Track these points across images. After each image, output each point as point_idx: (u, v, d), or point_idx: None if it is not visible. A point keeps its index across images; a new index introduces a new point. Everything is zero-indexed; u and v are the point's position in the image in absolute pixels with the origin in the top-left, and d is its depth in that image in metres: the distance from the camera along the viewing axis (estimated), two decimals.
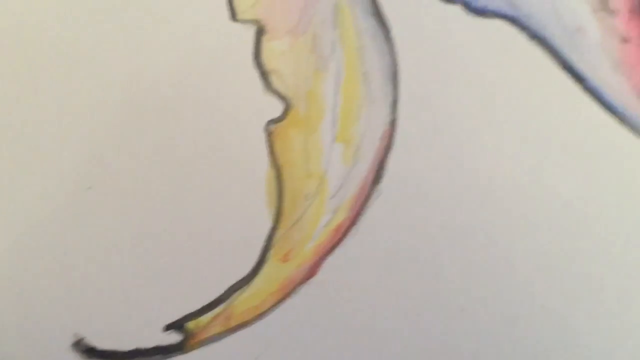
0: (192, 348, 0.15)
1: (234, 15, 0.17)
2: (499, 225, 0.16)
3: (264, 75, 0.17)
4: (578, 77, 0.17)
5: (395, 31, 0.17)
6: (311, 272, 0.16)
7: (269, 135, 0.16)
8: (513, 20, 0.17)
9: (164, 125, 0.16)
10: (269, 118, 0.16)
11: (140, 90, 0.16)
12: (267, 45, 0.17)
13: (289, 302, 0.16)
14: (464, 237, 0.16)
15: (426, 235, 0.16)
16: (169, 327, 0.15)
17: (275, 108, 0.16)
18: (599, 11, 0.18)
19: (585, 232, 0.16)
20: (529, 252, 0.16)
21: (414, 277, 0.16)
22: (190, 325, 0.15)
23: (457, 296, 0.16)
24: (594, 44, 0.17)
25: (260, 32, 0.17)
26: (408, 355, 0.16)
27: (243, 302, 0.16)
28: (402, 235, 0.16)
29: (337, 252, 0.16)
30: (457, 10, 0.17)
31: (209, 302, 0.15)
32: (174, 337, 0.15)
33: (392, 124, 0.16)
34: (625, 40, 0.18)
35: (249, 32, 0.17)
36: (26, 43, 0.17)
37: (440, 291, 0.16)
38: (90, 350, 0.15)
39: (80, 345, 0.15)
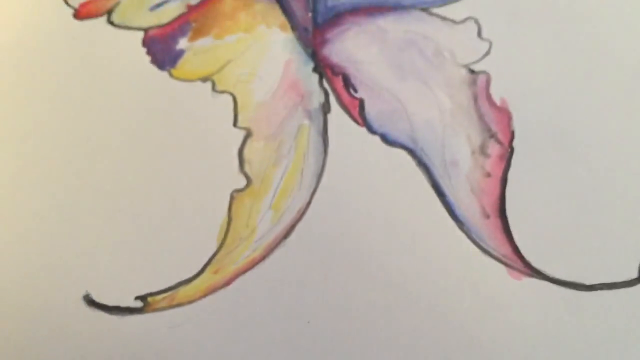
0: (147, 312, 0.25)
1: (235, 123, 0.27)
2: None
3: (241, 162, 0.26)
4: (440, 194, 0.25)
5: (331, 147, 0.26)
6: (228, 282, 0.25)
7: (231, 199, 0.25)
8: (411, 151, 0.26)
9: (166, 179, 0.27)
10: (234, 188, 0.26)
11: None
12: (250, 144, 0.26)
13: (210, 297, 0.25)
14: (336, 287, 0.24)
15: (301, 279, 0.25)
16: (137, 297, 0.25)
17: (239, 179, 0.26)
18: (477, 153, 0.26)
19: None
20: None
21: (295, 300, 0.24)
22: (149, 299, 0.25)
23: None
24: (462, 174, 0.26)
25: (248, 135, 0.26)
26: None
27: (183, 292, 0.25)
28: (289, 273, 0.25)
29: (247, 274, 0.25)
30: (376, 139, 0.26)
31: (164, 289, 0.25)
32: (138, 303, 0.25)
33: (307, 205, 0.25)
34: (488, 175, 0.25)
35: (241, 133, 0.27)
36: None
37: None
38: (91, 302, 0.26)
39: (86, 299, 0.26)
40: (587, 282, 0.24)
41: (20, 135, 0.28)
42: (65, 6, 0.30)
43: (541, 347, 0.24)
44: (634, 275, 0.24)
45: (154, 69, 0.28)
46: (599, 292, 0.24)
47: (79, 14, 0.30)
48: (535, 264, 0.25)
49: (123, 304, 0.25)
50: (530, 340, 0.24)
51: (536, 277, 0.24)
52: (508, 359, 0.25)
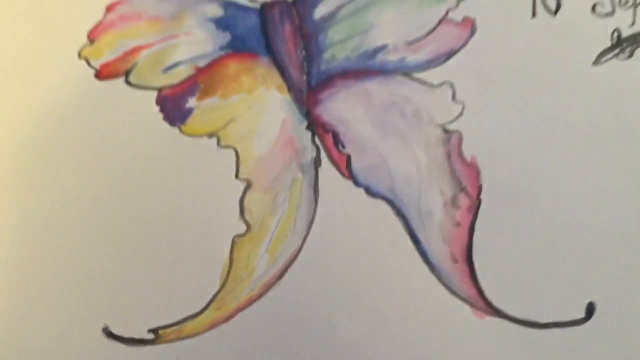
0: (158, 343, 0.27)
1: (237, 175, 0.29)
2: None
3: (242, 210, 0.28)
4: (415, 241, 0.28)
5: (321, 198, 0.29)
6: (229, 318, 0.27)
7: (233, 243, 0.28)
8: (391, 202, 0.28)
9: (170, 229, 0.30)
10: (236, 233, 0.29)
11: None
12: (250, 194, 0.28)
13: (214, 331, 0.27)
14: (323, 322, 0.27)
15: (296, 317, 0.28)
16: (150, 330, 0.27)
17: (240, 226, 0.29)
18: (448, 205, 0.28)
19: None
20: None
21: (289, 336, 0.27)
22: (160, 332, 0.27)
23: None
24: (435, 223, 0.28)
25: (248, 186, 0.29)
26: None
27: (190, 326, 0.27)
28: (283, 309, 0.27)
29: (246, 310, 0.27)
30: (360, 191, 0.29)
31: (173, 322, 0.27)
32: (151, 336, 0.27)
33: (300, 249, 0.28)
34: (458, 224, 0.28)
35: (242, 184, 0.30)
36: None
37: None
38: (109, 334, 0.28)
39: (105, 331, 0.28)
40: (541, 321, 0.26)
41: (46, 181, 0.30)
42: (87, 67, 0.32)
43: None
44: (582, 315, 0.26)
45: (166, 125, 0.31)
46: (551, 329, 0.26)
47: (100, 75, 0.32)
48: (497, 304, 0.27)
49: (137, 336, 0.27)
50: None
51: (497, 316, 0.26)
52: None
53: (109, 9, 0.34)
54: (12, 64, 0.33)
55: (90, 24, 0.34)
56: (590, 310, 0.27)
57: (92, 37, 0.33)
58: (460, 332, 0.27)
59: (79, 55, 0.33)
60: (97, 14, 0.34)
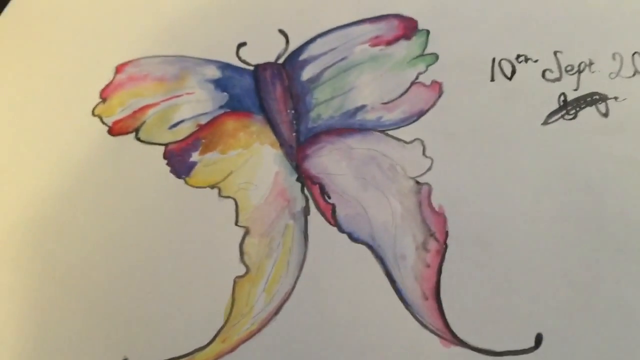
0: None
1: (236, 222, 0.32)
2: None
3: (241, 254, 0.31)
4: (391, 280, 0.31)
5: (311, 243, 0.33)
6: (233, 349, 0.29)
7: (234, 284, 0.30)
8: (370, 247, 0.31)
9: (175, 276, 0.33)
10: (236, 275, 0.33)
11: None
12: (248, 239, 0.31)
13: None
14: (314, 353, 0.31)
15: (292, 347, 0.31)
16: None
17: (240, 268, 0.33)
18: (420, 249, 0.31)
19: None
20: None
21: None
22: None
23: None
24: (408, 265, 0.31)
25: (246, 232, 0.31)
26: None
27: (199, 357, 0.29)
28: (279, 342, 0.30)
29: (247, 342, 0.30)
30: (344, 237, 0.32)
31: (184, 354, 0.29)
32: None
33: (293, 288, 0.30)
34: (428, 266, 0.31)
35: (241, 231, 0.34)
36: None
37: None
38: None
39: None
40: (497, 349, 0.29)
41: (67, 227, 0.33)
42: (101, 124, 0.36)
43: None
44: (532, 344, 0.29)
45: (172, 177, 0.34)
46: (506, 357, 0.29)
47: (112, 131, 0.36)
48: (461, 335, 0.29)
49: None
50: None
51: (461, 346, 0.29)
52: None
53: (118, 69, 0.38)
54: (33, 121, 0.37)
55: (101, 84, 0.38)
56: (538, 340, 0.29)
57: (104, 96, 0.37)
58: (430, 359, 0.29)
59: (93, 112, 0.37)
60: (107, 75, 0.38)
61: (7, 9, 0.41)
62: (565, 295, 0.30)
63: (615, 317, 0.29)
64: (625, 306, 0.29)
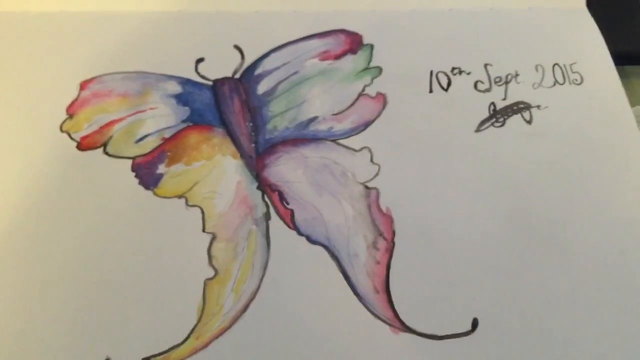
0: None
1: (204, 229, 0.33)
2: None
3: (210, 258, 0.32)
4: (346, 277, 0.33)
5: (272, 245, 0.34)
6: (206, 345, 0.30)
7: (204, 285, 0.31)
8: (326, 247, 0.33)
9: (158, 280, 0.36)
10: (206, 277, 0.34)
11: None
12: (215, 244, 0.33)
13: (194, 357, 0.30)
14: (280, 347, 0.34)
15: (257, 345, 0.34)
16: (143, 359, 0.30)
17: (209, 271, 0.35)
18: (370, 247, 0.33)
19: None
20: None
21: None
22: (152, 359, 0.30)
23: None
24: (361, 263, 0.33)
25: (213, 238, 0.33)
26: None
27: (175, 354, 0.30)
28: (248, 337, 0.31)
29: (219, 338, 0.31)
30: (303, 239, 0.34)
31: (161, 351, 0.30)
32: None
33: (258, 288, 0.32)
34: (378, 262, 0.33)
35: (208, 236, 0.36)
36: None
37: None
38: None
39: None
40: (439, 334, 0.31)
41: (42, 236, 0.33)
42: (69, 140, 0.37)
43: None
44: (469, 328, 0.31)
45: (141, 188, 0.35)
46: (447, 340, 0.31)
47: (80, 146, 0.36)
48: (408, 323, 0.31)
49: None
50: None
51: (408, 332, 0.31)
52: None
53: (82, 86, 0.39)
54: (1, 138, 0.37)
55: (67, 100, 0.38)
56: (475, 324, 0.31)
57: (70, 112, 0.38)
58: (382, 345, 0.31)
59: (61, 129, 0.37)
60: (72, 91, 0.39)
61: None
62: (497, 285, 0.32)
63: (539, 302, 0.32)
64: (548, 292, 0.32)
